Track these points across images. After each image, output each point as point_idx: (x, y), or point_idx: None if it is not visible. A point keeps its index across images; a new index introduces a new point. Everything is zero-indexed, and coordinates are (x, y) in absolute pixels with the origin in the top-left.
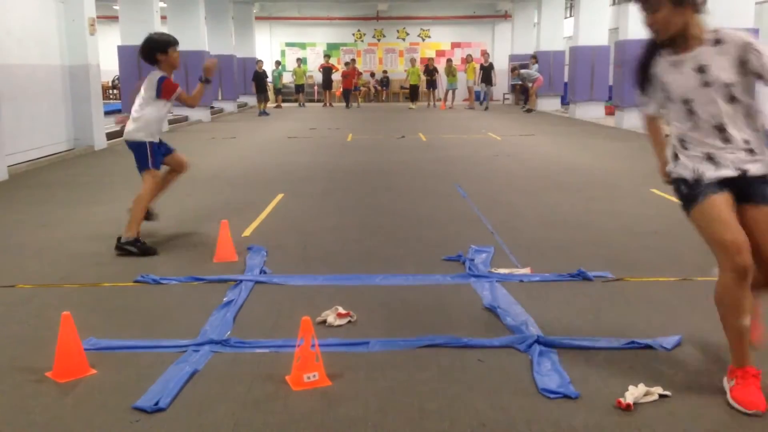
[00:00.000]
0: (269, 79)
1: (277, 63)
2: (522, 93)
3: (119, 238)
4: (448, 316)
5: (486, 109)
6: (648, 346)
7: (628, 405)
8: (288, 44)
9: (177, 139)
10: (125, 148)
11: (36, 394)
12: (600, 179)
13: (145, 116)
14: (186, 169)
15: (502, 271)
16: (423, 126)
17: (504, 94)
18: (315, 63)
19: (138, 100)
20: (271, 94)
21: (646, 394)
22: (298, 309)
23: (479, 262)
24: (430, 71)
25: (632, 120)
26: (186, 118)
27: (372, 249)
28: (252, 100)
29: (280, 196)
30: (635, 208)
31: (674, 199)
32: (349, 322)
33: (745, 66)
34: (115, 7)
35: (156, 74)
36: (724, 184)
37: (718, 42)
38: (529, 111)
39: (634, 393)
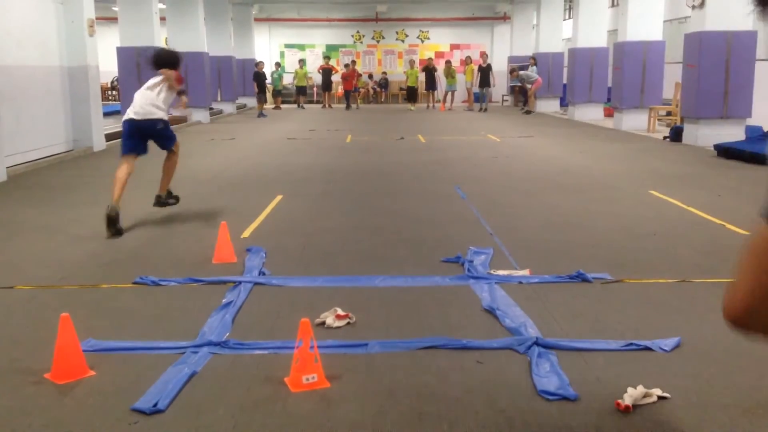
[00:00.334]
0: (268, 80)
1: (277, 65)
2: (521, 94)
3: (159, 196)
4: (447, 318)
5: (484, 110)
6: (647, 348)
7: (627, 407)
8: (287, 46)
9: None
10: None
11: (35, 395)
12: (599, 181)
13: (165, 103)
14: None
15: (501, 272)
16: (422, 127)
17: (503, 95)
18: (314, 64)
19: (148, 92)
20: (270, 95)
21: (645, 395)
22: (297, 310)
23: (478, 264)
24: (429, 70)
25: (631, 122)
26: (185, 119)
27: (371, 250)
28: (251, 102)
29: (279, 198)
30: (634, 209)
31: (673, 200)
32: (348, 323)
33: None
34: (114, 8)
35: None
36: None
37: None
38: (528, 112)
39: (633, 395)
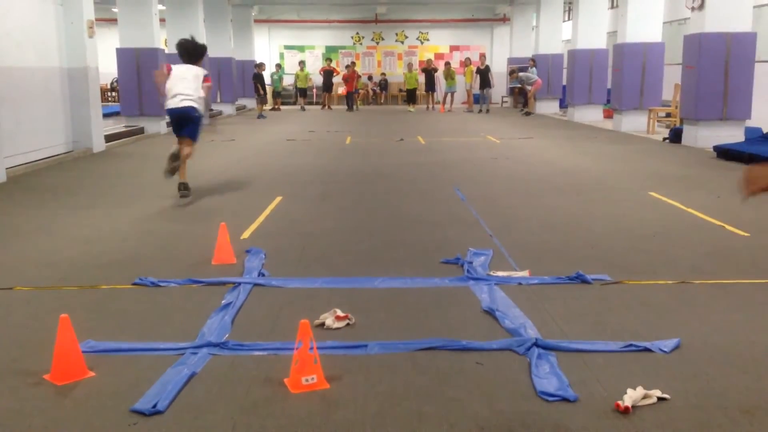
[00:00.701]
0: (268, 82)
1: (278, 66)
2: (521, 96)
3: (182, 184)
4: (447, 319)
5: (486, 111)
6: (646, 349)
7: (627, 408)
8: (287, 47)
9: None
10: (126, 149)
11: (34, 396)
12: (598, 182)
13: (201, 98)
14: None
15: (500, 273)
16: (422, 129)
17: (502, 97)
18: (313, 66)
19: (185, 83)
20: (269, 96)
21: (645, 397)
22: (296, 312)
23: (478, 265)
24: (429, 72)
25: (630, 123)
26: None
27: (370, 252)
28: (250, 103)
29: (278, 199)
30: (634, 211)
31: (672, 202)
32: (348, 324)
33: None
34: (114, 9)
35: (196, 69)
36: None
37: None
38: (527, 114)
39: (632, 396)
